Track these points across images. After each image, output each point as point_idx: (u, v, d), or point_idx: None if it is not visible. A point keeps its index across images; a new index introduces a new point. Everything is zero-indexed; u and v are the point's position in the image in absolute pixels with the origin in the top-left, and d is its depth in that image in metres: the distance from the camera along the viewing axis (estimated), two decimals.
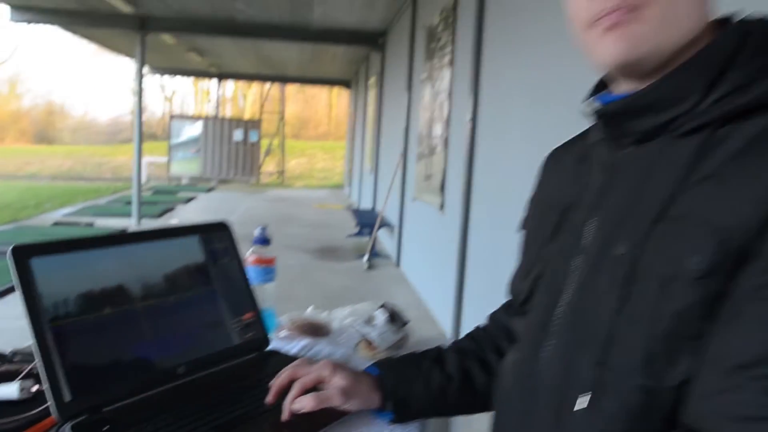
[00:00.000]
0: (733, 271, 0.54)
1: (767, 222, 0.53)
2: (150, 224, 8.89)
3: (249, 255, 1.26)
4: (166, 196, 13.00)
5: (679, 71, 0.63)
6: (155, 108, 37.65)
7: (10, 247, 0.84)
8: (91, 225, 8.85)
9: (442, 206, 4.59)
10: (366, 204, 10.19)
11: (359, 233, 7.61)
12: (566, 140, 0.87)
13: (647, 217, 0.61)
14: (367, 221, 7.41)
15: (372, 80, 10.30)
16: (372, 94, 10.18)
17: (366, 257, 6.61)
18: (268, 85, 20.14)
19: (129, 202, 9.86)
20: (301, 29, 8.82)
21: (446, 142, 4.56)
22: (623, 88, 0.69)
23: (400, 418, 0.88)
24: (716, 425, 0.53)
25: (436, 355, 0.92)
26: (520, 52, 3.07)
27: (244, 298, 1.14)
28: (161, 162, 18.17)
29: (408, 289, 5.68)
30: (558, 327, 0.69)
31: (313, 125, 37.06)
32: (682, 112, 0.63)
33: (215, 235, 1.14)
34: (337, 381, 0.85)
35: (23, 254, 0.86)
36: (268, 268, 1.27)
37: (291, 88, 25.09)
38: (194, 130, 16.88)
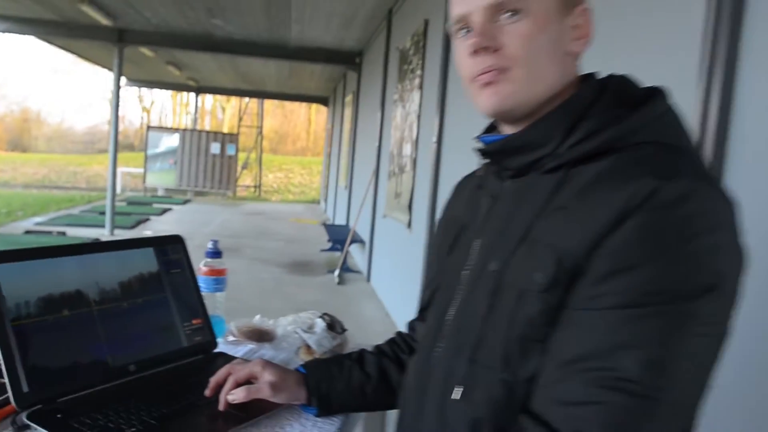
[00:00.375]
0: (568, 286, 0.68)
1: (594, 246, 0.66)
2: (123, 235, 8.88)
3: (202, 266, 1.37)
4: (140, 207, 12.97)
5: (544, 119, 0.77)
6: (133, 118, 37.49)
7: None
8: (63, 234, 8.82)
9: (409, 224, 4.72)
10: (340, 219, 10.30)
11: (332, 248, 7.72)
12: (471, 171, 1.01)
13: (514, 239, 0.74)
14: (339, 237, 7.51)
15: (348, 98, 10.46)
16: (348, 112, 10.34)
17: (337, 272, 6.71)
18: (247, 99, 20.22)
19: (103, 212, 9.84)
20: (279, 47, 8.97)
21: (414, 162, 4.71)
22: (505, 129, 0.83)
23: (323, 411, 1.00)
24: (548, 409, 0.67)
25: (357, 357, 1.04)
26: None
27: (194, 304, 1.25)
28: (137, 173, 18.12)
29: (377, 303, 5.78)
30: (447, 331, 0.82)
31: (291, 140, 37.16)
32: (546, 153, 0.76)
33: (170, 247, 1.25)
34: (267, 376, 0.96)
35: None
36: (218, 278, 1.38)
37: (270, 103, 25.16)
38: (171, 141, 16.88)
